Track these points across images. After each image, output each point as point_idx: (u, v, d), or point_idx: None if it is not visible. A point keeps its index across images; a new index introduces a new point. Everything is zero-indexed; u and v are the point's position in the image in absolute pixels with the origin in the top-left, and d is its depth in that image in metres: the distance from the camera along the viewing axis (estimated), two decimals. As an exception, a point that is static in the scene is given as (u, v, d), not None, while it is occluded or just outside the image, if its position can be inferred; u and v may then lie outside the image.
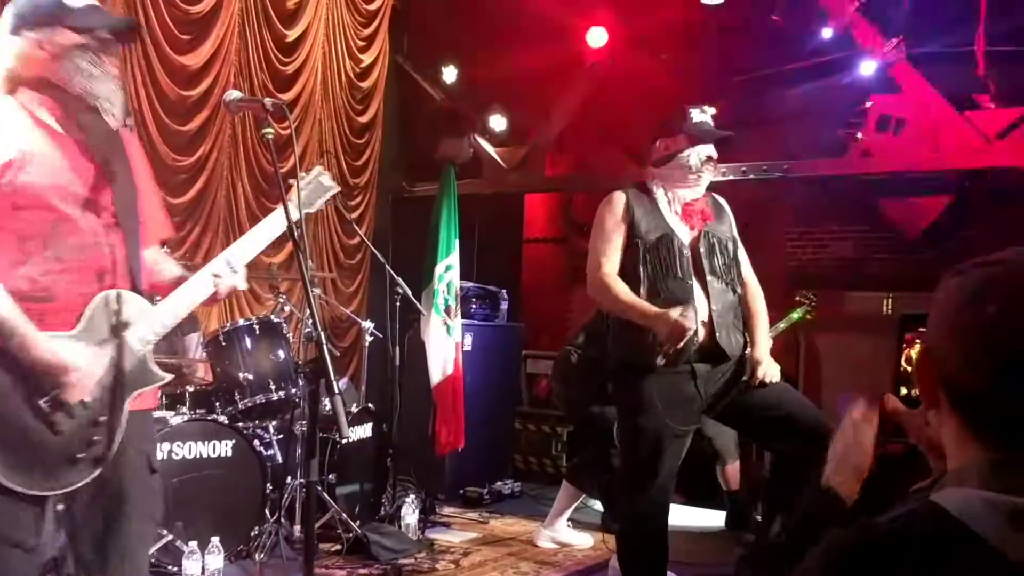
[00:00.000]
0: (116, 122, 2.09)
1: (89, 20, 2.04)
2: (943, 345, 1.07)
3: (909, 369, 1.26)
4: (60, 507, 2.00)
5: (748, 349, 3.27)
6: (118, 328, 2.05)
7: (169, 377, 2.21)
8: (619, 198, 3.30)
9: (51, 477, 1.95)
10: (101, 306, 2.05)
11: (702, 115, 3.31)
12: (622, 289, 3.18)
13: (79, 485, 2.00)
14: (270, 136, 2.16)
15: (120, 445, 2.07)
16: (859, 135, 5.82)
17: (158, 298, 2.22)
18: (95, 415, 2.02)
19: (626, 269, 3.24)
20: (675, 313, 2.99)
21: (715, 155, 3.26)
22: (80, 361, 1.97)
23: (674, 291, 3.15)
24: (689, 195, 3.28)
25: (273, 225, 2.31)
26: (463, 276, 5.56)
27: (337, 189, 2.49)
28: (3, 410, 1.91)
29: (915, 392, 1.47)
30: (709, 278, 3.20)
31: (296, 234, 2.10)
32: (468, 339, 5.66)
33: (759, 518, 4.65)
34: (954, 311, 1.07)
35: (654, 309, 3.08)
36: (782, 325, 4.76)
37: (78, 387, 1.97)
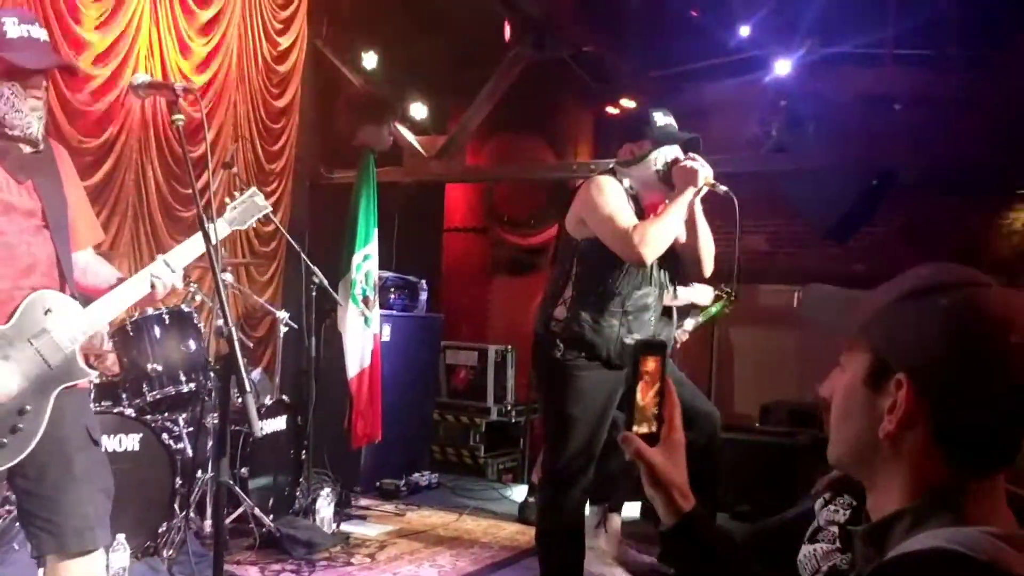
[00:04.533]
0: (32, 148, 2.30)
1: (22, 55, 2.21)
2: (942, 374, 1.02)
3: (643, 404, 1.13)
4: None
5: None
6: (48, 325, 2.23)
7: (95, 374, 2.42)
8: (614, 181, 3.25)
9: None
10: (33, 304, 2.23)
11: (666, 118, 3.30)
12: (655, 218, 3.13)
13: (5, 467, 2.18)
14: (181, 123, 2.17)
15: (58, 424, 2.26)
16: (773, 132, 5.95)
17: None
18: (21, 404, 2.19)
19: (601, 263, 3.18)
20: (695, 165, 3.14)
21: (681, 156, 3.24)
22: None
23: (643, 299, 3.22)
24: (653, 198, 3.27)
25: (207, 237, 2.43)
26: (382, 266, 5.50)
27: (269, 208, 2.67)
28: None
29: (650, 428, 1.32)
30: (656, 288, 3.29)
31: (209, 234, 2.09)
32: (386, 330, 5.60)
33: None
34: (960, 340, 1.02)
35: (680, 189, 3.15)
36: (701, 319, 4.80)
37: None
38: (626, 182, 3.27)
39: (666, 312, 3.40)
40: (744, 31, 5.85)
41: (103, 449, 2.50)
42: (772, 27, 5.73)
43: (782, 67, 5.71)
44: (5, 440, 2.17)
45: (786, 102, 5.74)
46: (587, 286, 3.22)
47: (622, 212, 3.15)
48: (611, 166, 3.39)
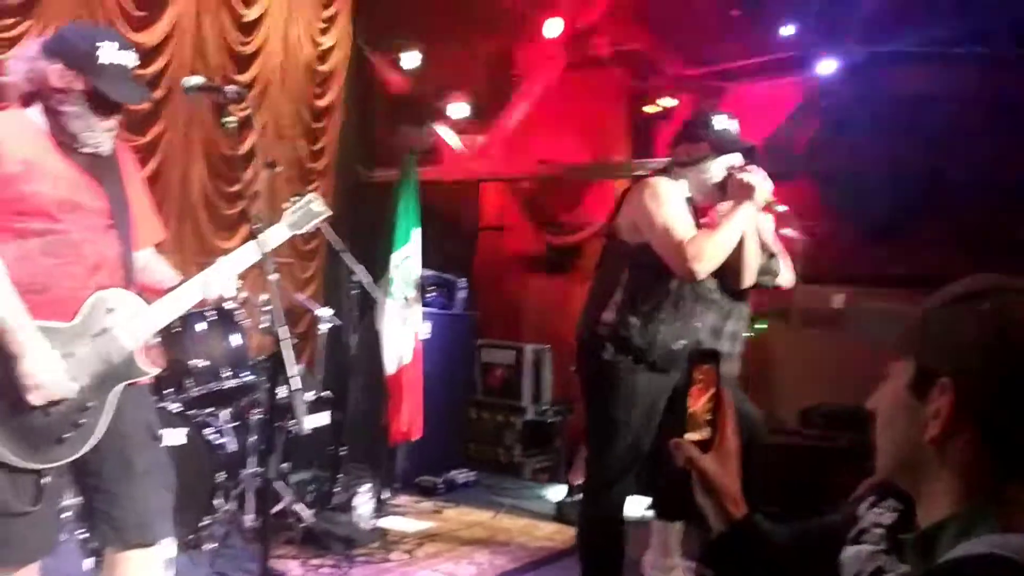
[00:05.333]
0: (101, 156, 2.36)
1: (112, 86, 2.25)
2: (985, 378, 1.02)
3: (695, 411, 1.11)
4: (46, 480, 2.22)
5: None
6: (110, 324, 2.28)
7: (155, 371, 2.45)
8: (672, 185, 3.14)
9: (40, 453, 2.19)
10: (98, 303, 2.28)
11: (726, 121, 3.20)
12: (712, 231, 3.03)
13: (66, 461, 2.25)
14: (232, 125, 2.21)
15: (119, 421, 2.31)
16: (815, 132, 5.90)
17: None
18: (84, 400, 2.24)
19: (653, 268, 3.11)
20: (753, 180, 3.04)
21: (739, 164, 3.16)
22: (46, 378, 2.15)
23: (693, 304, 3.16)
24: (707, 202, 3.22)
25: (266, 242, 2.50)
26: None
27: (328, 214, 2.68)
28: (5, 391, 2.16)
29: (702, 435, 1.33)
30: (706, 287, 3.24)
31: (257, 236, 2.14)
32: (425, 327, 5.63)
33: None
34: (1004, 342, 1.02)
35: (735, 204, 3.06)
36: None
37: (37, 399, 2.16)
38: (682, 183, 3.20)
39: (728, 313, 3.35)
40: (787, 30, 5.79)
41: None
42: (816, 26, 5.68)
43: (826, 66, 5.65)
44: (68, 435, 2.22)
45: (829, 101, 5.68)
46: (637, 291, 3.15)
47: (678, 222, 3.05)
48: (664, 166, 3.32)
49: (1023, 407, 1.00)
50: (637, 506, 4.26)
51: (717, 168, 3.17)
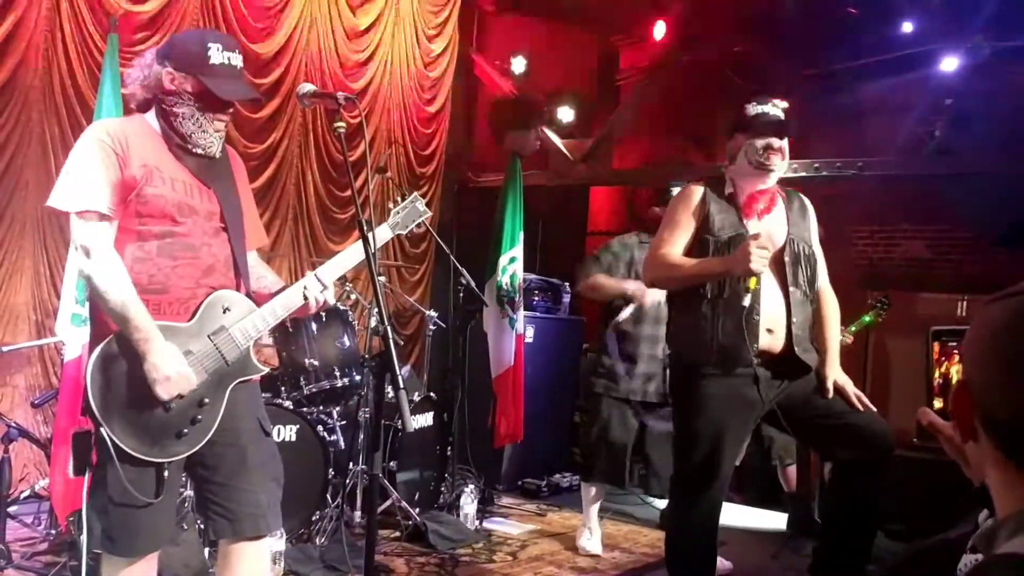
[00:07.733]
0: (211, 157, 2.43)
1: (221, 84, 2.33)
2: (982, 376, 1.02)
3: (943, 382, 1.13)
4: (165, 473, 2.31)
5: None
6: (226, 323, 2.37)
7: (266, 370, 2.52)
8: (696, 191, 3.18)
9: (160, 447, 2.29)
10: (214, 302, 2.37)
11: (760, 106, 3.17)
12: (683, 259, 3.09)
13: (185, 455, 2.34)
14: (342, 130, 2.27)
15: (233, 417, 2.40)
16: (936, 133, 5.65)
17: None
18: (201, 396, 2.33)
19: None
20: (752, 247, 2.89)
21: (776, 143, 3.10)
22: (173, 372, 2.23)
23: (734, 287, 3.03)
24: (752, 188, 3.16)
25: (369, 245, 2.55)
26: (525, 268, 5.55)
27: (429, 214, 2.75)
28: (130, 388, 2.24)
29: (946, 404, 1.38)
30: (791, 289, 3.08)
31: (368, 239, 2.22)
32: (530, 331, 5.66)
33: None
34: (994, 341, 1.01)
35: (722, 259, 3.01)
36: (853, 328, 4.64)
37: (165, 392, 2.24)
38: (733, 188, 3.18)
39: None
40: (907, 27, 5.57)
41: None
42: (938, 22, 5.44)
43: (948, 64, 5.40)
44: (186, 430, 2.31)
45: (952, 100, 5.44)
46: (679, 296, 3.18)
47: (674, 232, 3.14)
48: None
49: (1017, 409, 0.97)
50: (741, 516, 4.17)
51: (752, 151, 3.10)
